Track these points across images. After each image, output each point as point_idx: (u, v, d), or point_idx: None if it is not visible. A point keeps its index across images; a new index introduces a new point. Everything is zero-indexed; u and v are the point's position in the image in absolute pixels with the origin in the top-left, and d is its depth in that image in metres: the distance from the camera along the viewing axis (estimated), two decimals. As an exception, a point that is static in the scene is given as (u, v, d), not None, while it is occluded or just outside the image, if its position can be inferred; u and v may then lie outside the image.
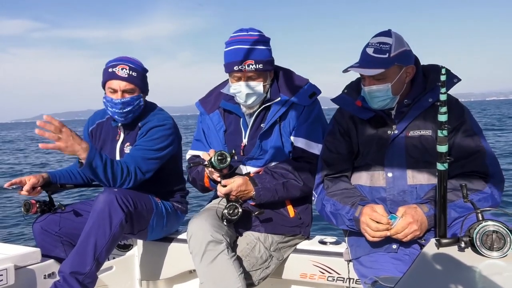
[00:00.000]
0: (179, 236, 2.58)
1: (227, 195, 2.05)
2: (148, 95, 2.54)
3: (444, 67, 1.49)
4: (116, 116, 2.40)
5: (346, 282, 2.14)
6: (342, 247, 2.18)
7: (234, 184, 2.03)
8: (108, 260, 2.55)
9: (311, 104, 2.22)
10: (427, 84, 1.90)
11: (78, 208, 2.47)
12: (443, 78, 1.39)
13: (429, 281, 1.11)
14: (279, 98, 2.20)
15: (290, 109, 2.20)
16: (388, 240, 1.74)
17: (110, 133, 2.55)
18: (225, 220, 2.00)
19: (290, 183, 2.12)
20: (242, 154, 2.22)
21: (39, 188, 2.39)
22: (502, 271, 1.18)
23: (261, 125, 2.21)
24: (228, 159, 1.99)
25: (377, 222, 1.69)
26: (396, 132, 1.88)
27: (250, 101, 2.17)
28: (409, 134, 1.86)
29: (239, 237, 2.16)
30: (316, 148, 2.17)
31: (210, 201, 2.39)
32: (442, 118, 1.40)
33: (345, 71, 1.87)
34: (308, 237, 2.33)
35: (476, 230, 1.26)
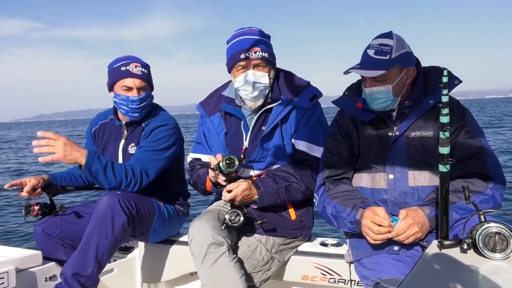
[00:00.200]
0: (181, 239, 2.58)
1: (231, 201, 2.05)
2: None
3: (446, 69, 1.49)
4: (130, 113, 2.41)
5: (347, 284, 2.14)
6: (344, 249, 2.18)
7: (239, 189, 2.02)
8: (110, 262, 2.55)
9: (312, 107, 2.22)
10: (428, 85, 1.90)
11: (80, 210, 2.47)
12: (445, 79, 1.39)
13: (431, 282, 1.11)
14: (280, 100, 2.20)
15: (291, 111, 2.20)
16: (390, 242, 1.73)
17: (113, 133, 2.55)
18: (224, 225, 1.99)
19: (292, 187, 2.12)
20: (243, 157, 2.22)
21: (39, 190, 2.39)
22: (504, 272, 1.18)
23: (262, 128, 2.20)
24: (236, 163, 1.99)
25: (379, 225, 1.69)
26: (397, 133, 1.87)
27: (255, 93, 2.16)
28: (410, 136, 1.86)
29: (240, 239, 2.16)
30: (317, 151, 2.17)
31: (212, 203, 2.39)
32: (444, 119, 1.40)
33: (346, 72, 1.87)
34: (309, 239, 2.32)
35: (479, 231, 1.26)
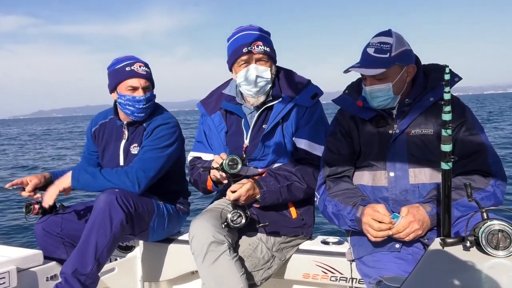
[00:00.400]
0: (181, 237, 2.58)
1: (235, 201, 2.05)
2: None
3: (447, 66, 1.49)
4: (136, 113, 2.41)
5: (348, 282, 2.14)
6: (345, 247, 2.18)
7: (243, 189, 2.02)
8: (110, 261, 2.55)
9: (313, 105, 2.22)
10: (428, 83, 1.90)
11: (80, 208, 2.47)
12: (447, 77, 1.39)
13: (435, 280, 1.11)
14: (281, 98, 2.20)
15: (292, 109, 2.20)
16: (391, 239, 1.73)
17: (114, 133, 2.55)
18: (224, 224, 1.99)
19: (294, 186, 2.12)
20: (245, 156, 2.21)
21: (39, 194, 2.40)
22: (507, 270, 1.18)
23: (263, 126, 2.20)
24: (239, 165, 1.98)
25: (380, 222, 1.69)
26: (397, 131, 1.88)
27: (257, 87, 2.16)
28: (411, 133, 1.86)
29: (241, 237, 2.16)
30: (319, 150, 2.16)
31: (213, 201, 2.39)
32: (446, 117, 1.40)
33: (346, 71, 1.87)
34: (310, 238, 2.33)
35: (482, 229, 1.26)
